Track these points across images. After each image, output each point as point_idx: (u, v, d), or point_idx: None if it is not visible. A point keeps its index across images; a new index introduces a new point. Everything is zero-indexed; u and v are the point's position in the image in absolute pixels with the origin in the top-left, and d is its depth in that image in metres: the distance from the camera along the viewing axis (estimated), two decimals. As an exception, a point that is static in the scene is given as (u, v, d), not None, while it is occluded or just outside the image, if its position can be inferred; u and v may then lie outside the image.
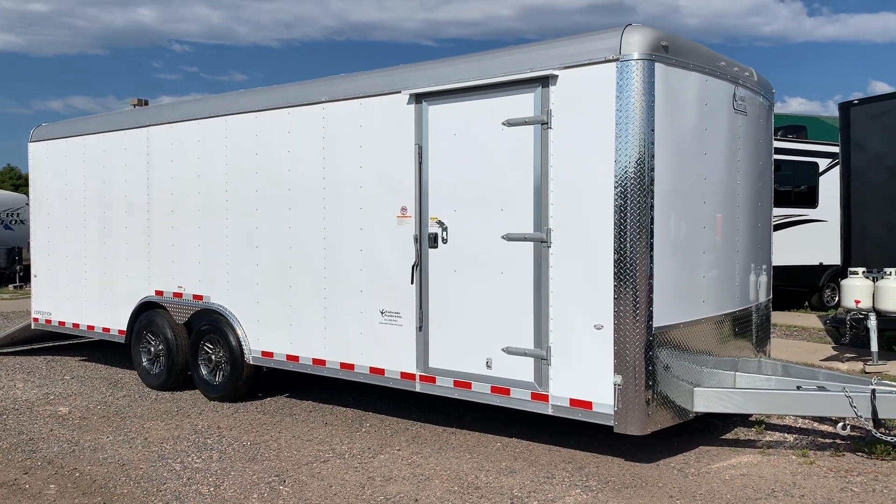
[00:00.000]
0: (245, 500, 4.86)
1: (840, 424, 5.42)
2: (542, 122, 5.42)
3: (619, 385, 5.15)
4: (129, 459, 5.72)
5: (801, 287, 14.18)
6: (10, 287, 20.56)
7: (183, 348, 7.94)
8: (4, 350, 10.51)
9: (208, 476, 5.31)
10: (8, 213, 23.59)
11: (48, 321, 9.53)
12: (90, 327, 8.96)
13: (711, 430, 6.25)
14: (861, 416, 5.25)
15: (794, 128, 15.32)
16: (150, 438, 6.26)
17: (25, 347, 10.70)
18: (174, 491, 5.04)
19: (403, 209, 6.18)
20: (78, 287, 9.08)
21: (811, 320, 12.90)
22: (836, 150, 14.14)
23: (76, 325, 9.15)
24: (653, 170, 5.13)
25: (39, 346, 10.80)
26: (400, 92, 6.14)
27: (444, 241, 5.98)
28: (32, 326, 9.81)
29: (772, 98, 6.96)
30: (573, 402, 5.37)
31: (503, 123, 5.61)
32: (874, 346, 8.55)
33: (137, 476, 5.34)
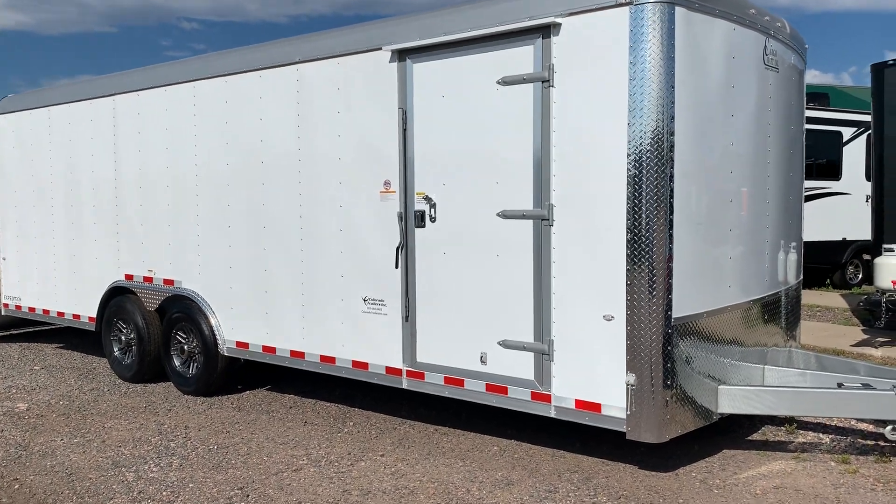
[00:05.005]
0: (199, 521, 4.21)
1: (889, 427, 4.69)
2: (543, 80, 4.66)
3: (631, 385, 4.44)
4: (80, 467, 5.07)
5: (822, 264, 13.40)
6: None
7: (155, 337, 7.28)
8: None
9: (162, 489, 4.65)
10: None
11: (17, 307, 8.90)
12: (60, 314, 8.32)
13: (736, 428, 5.55)
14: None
15: (815, 95, 14.40)
16: (108, 441, 5.61)
17: (3, 333, 10.09)
18: (120, 509, 4.40)
19: (387, 183, 5.46)
20: (47, 270, 8.42)
21: (835, 299, 12.12)
22: (860, 118, 13.30)
23: (46, 312, 8.50)
24: (672, 134, 4.38)
25: (16, 332, 10.18)
26: (381, 48, 5.37)
27: (433, 219, 5.25)
28: (3, 312, 9.18)
29: (805, 55, 6.17)
30: (579, 403, 4.67)
31: (498, 82, 4.85)
32: (912, 331, 7.81)
33: (83, 489, 4.70)
